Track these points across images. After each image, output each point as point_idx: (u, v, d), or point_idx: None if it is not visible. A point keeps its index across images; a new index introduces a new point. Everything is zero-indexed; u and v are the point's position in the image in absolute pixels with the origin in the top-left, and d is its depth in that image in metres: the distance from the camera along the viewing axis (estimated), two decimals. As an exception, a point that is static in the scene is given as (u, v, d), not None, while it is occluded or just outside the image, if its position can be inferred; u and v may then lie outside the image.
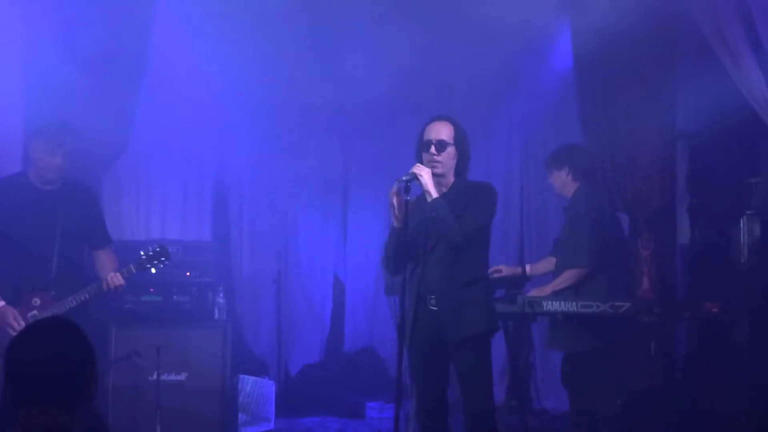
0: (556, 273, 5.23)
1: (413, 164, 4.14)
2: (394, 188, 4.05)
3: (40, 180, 4.79)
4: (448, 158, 4.21)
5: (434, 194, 4.08)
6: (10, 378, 2.12)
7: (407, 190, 4.05)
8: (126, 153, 5.81)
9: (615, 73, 5.44)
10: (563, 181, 5.32)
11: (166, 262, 4.91)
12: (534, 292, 5.15)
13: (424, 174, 4.08)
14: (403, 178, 4.05)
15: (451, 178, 4.25)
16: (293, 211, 7.20)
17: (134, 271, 4.81)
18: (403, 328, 4.13)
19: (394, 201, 4.05)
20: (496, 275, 5.39)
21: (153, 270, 4.87)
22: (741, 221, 5.38)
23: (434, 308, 4.16)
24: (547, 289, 5.12)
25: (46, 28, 5.20)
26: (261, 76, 6.30)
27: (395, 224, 4.11)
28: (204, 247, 5.98)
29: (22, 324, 4.54)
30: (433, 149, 4.19)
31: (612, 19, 5.09)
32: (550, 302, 4.87)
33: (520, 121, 7.19)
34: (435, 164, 4.17)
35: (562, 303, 4.85)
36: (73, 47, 5.17)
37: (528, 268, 5.59)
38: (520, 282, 5.54)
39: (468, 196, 4.21)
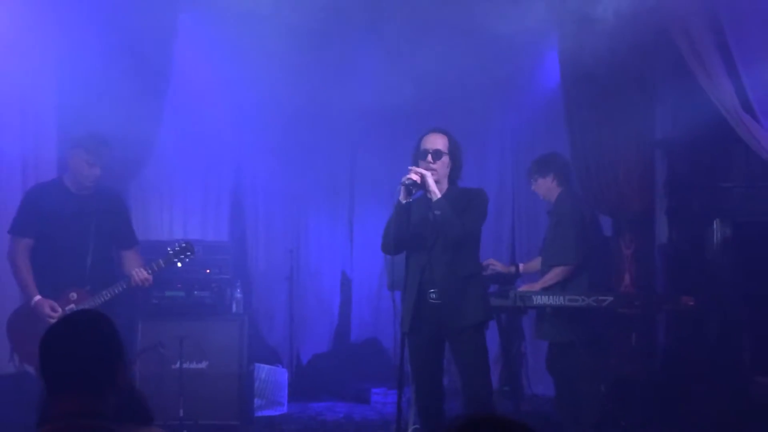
0: (542, 271, 5.24)
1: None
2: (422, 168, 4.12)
3: (75, 186, 4.82)
4: (442, 166, 4.25)
5: (438, 194, 4.12)
6: (46, 365, 2.14)
7: (409, 192, 4.09)
8: (151, 161, 5.84)
9: (598, 88, 5.45)
10: (548, 187, 5.32)
11: (192, 256, 4.97)
12: (525, 288, 5.16)
13: (427, 177, 4.10)
14: (406, 182, 4.08)
15: (445, 185, 4.29)
16: (304, 213, 7.22)
17: (163, 265, 4.86)
18: (405, 321, 4.16)
19: (413, 175, 4.07)
20: (492, 268, 5.40)
21: (179, 264, 4.92)
22: (714, 223, 5.39)
23: (435, 301, 4.18)
24: (537, 285, 5.13)
25: (77, 40, 5.20)
26: (275, 89, 6.32)
27: (401, 199, 4.11)
28: (222, 247, 5.99)
29: (59, 311, 4.58)
30: (429, 158, 4.22)
31: (595, 38, 5.10)
32: (539, 296, 4.89)
33: (512, 131, 7.20)
34: (431, 171, 4.18)
35: (551, 297, 4.87)
36: (102, 60, 5.17)
37: (521, 267, 5.61)
38: (512, 278, 5.55)
39: (465, 201, 4.24)
